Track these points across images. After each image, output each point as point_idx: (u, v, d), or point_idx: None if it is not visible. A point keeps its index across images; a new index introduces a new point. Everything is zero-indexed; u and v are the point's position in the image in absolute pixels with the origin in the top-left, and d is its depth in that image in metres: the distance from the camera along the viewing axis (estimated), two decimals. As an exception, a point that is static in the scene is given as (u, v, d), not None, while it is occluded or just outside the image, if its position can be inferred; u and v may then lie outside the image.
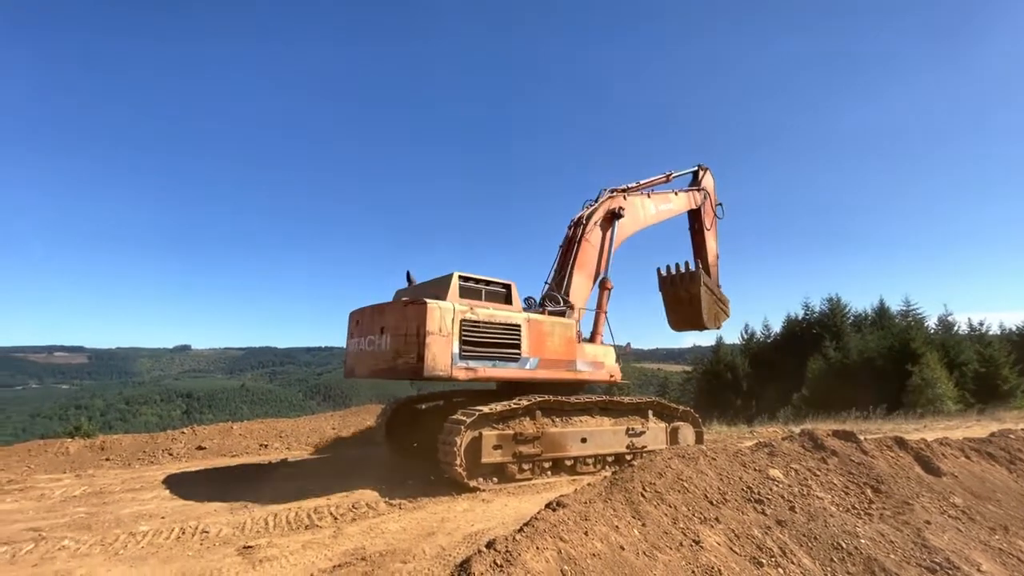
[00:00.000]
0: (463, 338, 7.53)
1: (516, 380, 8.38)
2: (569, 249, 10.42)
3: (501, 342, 7.98)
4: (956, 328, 29.86)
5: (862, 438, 6.34)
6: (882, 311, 30.45)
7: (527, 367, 8.24)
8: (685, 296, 12.42)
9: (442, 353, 7.30)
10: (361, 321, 8.46)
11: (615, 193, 11.20)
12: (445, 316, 7.42)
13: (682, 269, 12.80)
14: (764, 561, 3.94)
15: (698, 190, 13.21)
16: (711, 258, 13.51)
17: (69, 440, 11.55)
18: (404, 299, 7.99)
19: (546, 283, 10.44)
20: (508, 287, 8.63)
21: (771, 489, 5.01)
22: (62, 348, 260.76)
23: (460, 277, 8.06)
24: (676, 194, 12.64)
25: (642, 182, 12.11)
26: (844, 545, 4.25)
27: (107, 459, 10.59)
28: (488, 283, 8.41)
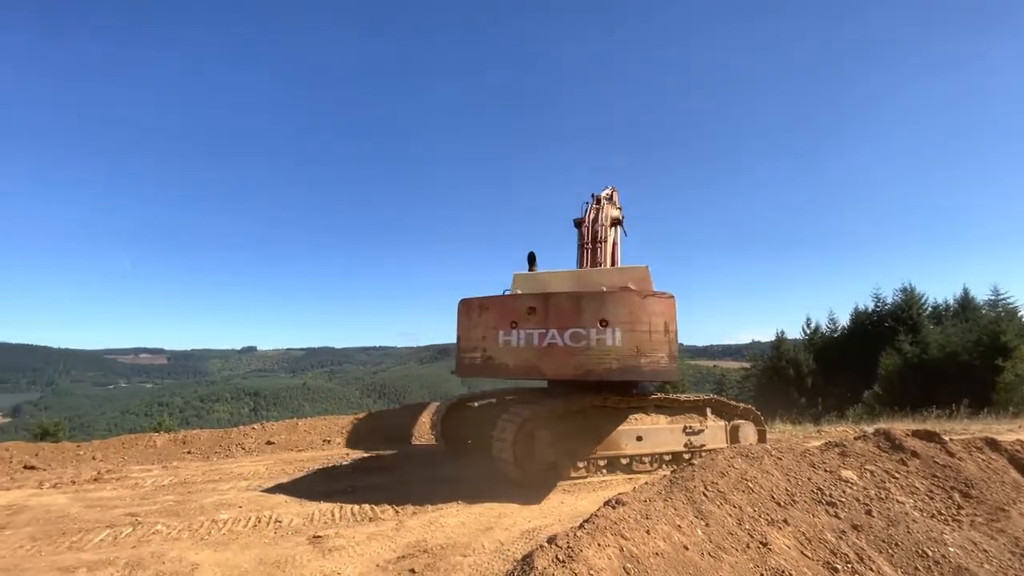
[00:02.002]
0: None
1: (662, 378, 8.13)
2: (595, 250, 10.29)
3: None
4: (1057, 318, 26.89)
5: (947, 438, 5.87)
6: (966, 301, 27.92)
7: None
8: None
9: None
10: (542, 310, 7.14)
11: (605, 201, 11.24)
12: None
13: None
14: (839, 567, 3.74)
15: (617, 207, 13.60)
16: None
17: (155, 434, 12.59)
18: (641, 291, 7.04)
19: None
20: None
21: (844, 491, 4.73)
22: (146, 350, 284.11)
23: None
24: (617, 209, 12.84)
25: (605, 193, 12.41)
26: (930, 553, 3.95)
27: (188, 452, 11.46)
28: None
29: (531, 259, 8.67)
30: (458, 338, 7.53)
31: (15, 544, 5.32)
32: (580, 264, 10.23)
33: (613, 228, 10.89)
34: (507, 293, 8.49)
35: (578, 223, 10.90)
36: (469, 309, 7.62)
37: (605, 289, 7.14)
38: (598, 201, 11.01)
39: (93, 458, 10.75)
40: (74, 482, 8.37)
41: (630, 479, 7.75)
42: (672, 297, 6.70)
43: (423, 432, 13.61)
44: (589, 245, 10.21)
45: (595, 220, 10.47)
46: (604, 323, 6.75)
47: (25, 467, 9.70)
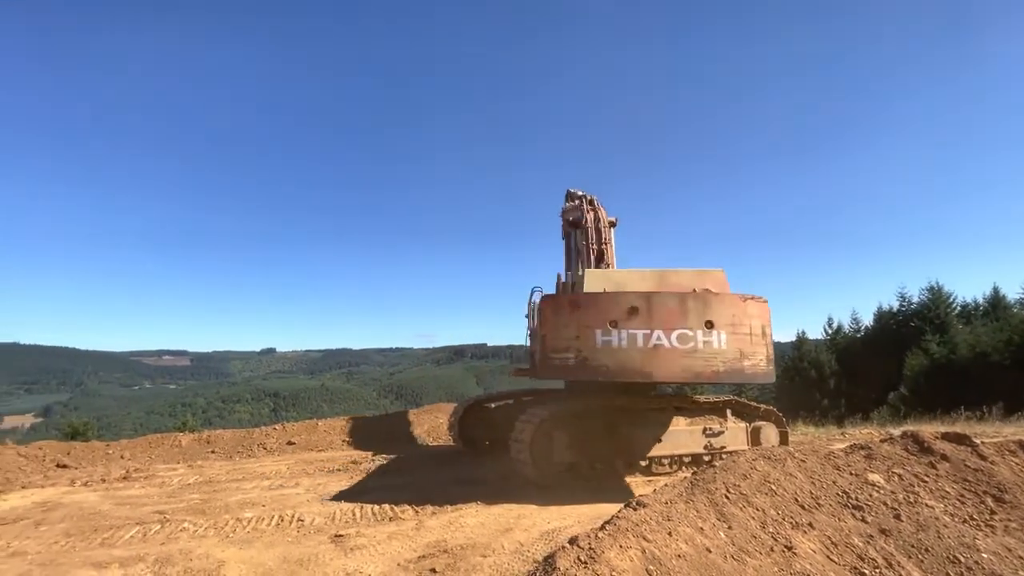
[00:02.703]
0: None
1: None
2: (601, 252, 10.30)
3: None
4: (1093, 317, 25.86)
5: (978, 441, 5.70)
6: (996, 300, 27.07)
7: None
8: None
9: None
10: (645, 310, 6.76)
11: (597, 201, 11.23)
12: None
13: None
14: (867, 572, 3.66)
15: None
16: None
17: (180, 434, 12.90)
18: (740, 294, 7.06)
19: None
20: None
21: (871, 495, 4.63)
22: (169, 352, 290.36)
23: None
24: None
25: (580, 193, 12.41)
26: (962, 559, 3.85)
27: (212, 452, 11.71)
28: None
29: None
30: (543, 338, 6.81)
31: (50, 540, 5.50)
32: (585, 264, 10.20)
33: (611, 230, 10.93)
34: (535, 292, 8.70)
35: (574, 223, 10.89)
36: (558, 307, 7.00)
37: (695, 290, 6.93)
38: (591, 202, 11.01)
39: (122, 457, 11.05)
40: (104, 480, 8.62)
41: (649, 481, 7.69)
42: (766, 300, 6.74)
43: (441, 433, 13.67)
44: (595, 247, 10.25)
45: (597, 220, 10.52)
46: (710, 325, 6.61)
47: (58, 465, 10.02)
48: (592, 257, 10.17)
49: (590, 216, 10.52)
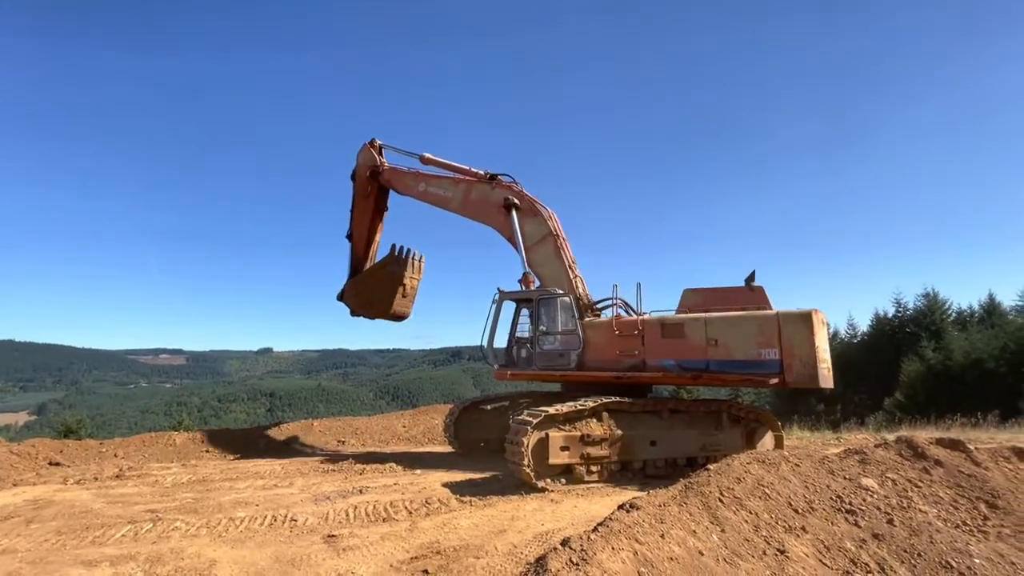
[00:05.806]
0: None
1: None
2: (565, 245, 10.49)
3: None
4: (1090, 324, 25.94)
5: (972, 447, 5.72)
6: (992, 307, 27.19)
7: None
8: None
9: None
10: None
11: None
12: None
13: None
14: (859, 576, 3.67)
15: None
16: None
17: (175, 433, 12.85)
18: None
19: (578, 277, 10.32)
20: None
21: (864, 500, 4.64)
22: (165, 351, 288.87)
23: None
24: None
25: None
26: (954, 564, 3.86)
27: (207, 451, 11.66)
28: None
29: (753, 277, 8.73)
30: (816, 348, 7.62)
31: (41, 538, 5.46)
32: (561, 249, 10.31)
33: None
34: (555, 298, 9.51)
35: (513, 207, 10.80)
36: (820, 321, 7.99)
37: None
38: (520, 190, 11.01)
39: (115, 455, 11.00)
40: (97, 478, 8.56)
41: (644, 484, 7.69)
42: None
43: (436, 434, 13.65)
44: (564, 241, 10.48)
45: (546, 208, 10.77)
46: None
47: (50, 463, 9.96)
48: (566, 248, 10.37)
49: (542, 209, 10.64)
